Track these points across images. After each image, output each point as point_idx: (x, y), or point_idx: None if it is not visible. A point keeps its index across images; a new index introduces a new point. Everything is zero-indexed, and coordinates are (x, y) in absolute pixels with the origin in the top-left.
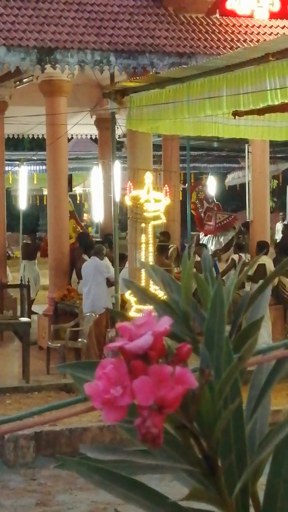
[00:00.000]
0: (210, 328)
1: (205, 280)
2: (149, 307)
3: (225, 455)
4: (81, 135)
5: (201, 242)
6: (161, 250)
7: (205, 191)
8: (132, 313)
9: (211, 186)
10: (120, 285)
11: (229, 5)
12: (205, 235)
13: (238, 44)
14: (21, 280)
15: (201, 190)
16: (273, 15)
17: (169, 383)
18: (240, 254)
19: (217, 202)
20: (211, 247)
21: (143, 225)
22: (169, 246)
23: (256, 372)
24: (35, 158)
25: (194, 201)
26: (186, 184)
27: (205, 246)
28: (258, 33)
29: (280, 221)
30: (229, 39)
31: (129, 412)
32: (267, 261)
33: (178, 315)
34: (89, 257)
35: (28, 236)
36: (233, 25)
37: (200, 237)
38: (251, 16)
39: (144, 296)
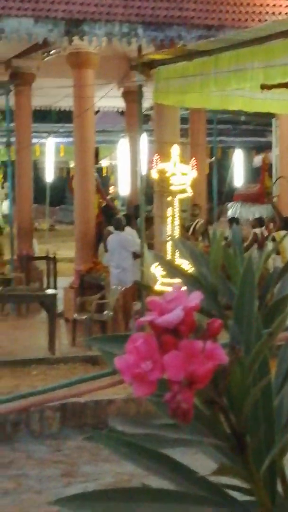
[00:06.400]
0: (240, 304)
1: (234, 255)
2: (176, 281)
3: (253, 431)
4: (108, 108)
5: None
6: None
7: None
8: (158, 287)
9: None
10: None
11: None
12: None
13: (267, 17)
14: None
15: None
16: None
17: (200, 358)
18: (261, 229)
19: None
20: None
21: (169, 198)
22: (196, 221)
23: (285, 347)
24: (62, 131)
25: (268, 163)
26: (213, 158)
27: (236, 220)
28: (287, 6)
29: None
30: (258, 11)
31: (158, 387)
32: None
33: (206, 289)
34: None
35: None
36: None
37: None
38: None
39: (173, 270)
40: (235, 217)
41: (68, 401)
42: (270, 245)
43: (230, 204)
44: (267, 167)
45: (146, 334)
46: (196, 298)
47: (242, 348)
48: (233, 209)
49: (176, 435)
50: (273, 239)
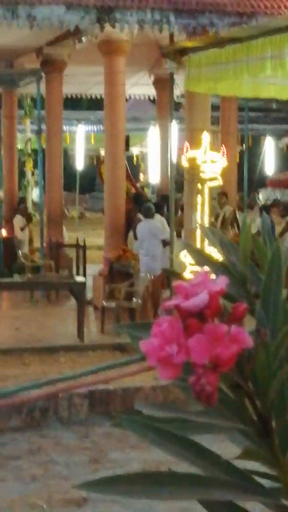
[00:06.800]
0: (267, 289)
1: (263, 243)
2: (205, 268)
3: (279, 416)
4: (139, 95)
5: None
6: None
7: None
8: (187, 275)
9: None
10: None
11: None
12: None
13: None
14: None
15: None
16: None
17: (225, 342)
18: None
19: None
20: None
21: (199, 186)
22: (225, 209)
23: None
24: (93, 118)
25: None
26: (244, 146)
27: (266, 209)
28: None
29: None
30: None
31: (184, 371)
32: None
33: (235, 277)
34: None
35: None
36: None
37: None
38: None
39: (202, 258)
40: (266, 203)
41: (96, 388)
42: None
43: (261, 190)
44: None
45: (172, 318)
46: (221, 282)
47: (268, 332)
48: (263, 194)
49: (201, 419)
50: None
